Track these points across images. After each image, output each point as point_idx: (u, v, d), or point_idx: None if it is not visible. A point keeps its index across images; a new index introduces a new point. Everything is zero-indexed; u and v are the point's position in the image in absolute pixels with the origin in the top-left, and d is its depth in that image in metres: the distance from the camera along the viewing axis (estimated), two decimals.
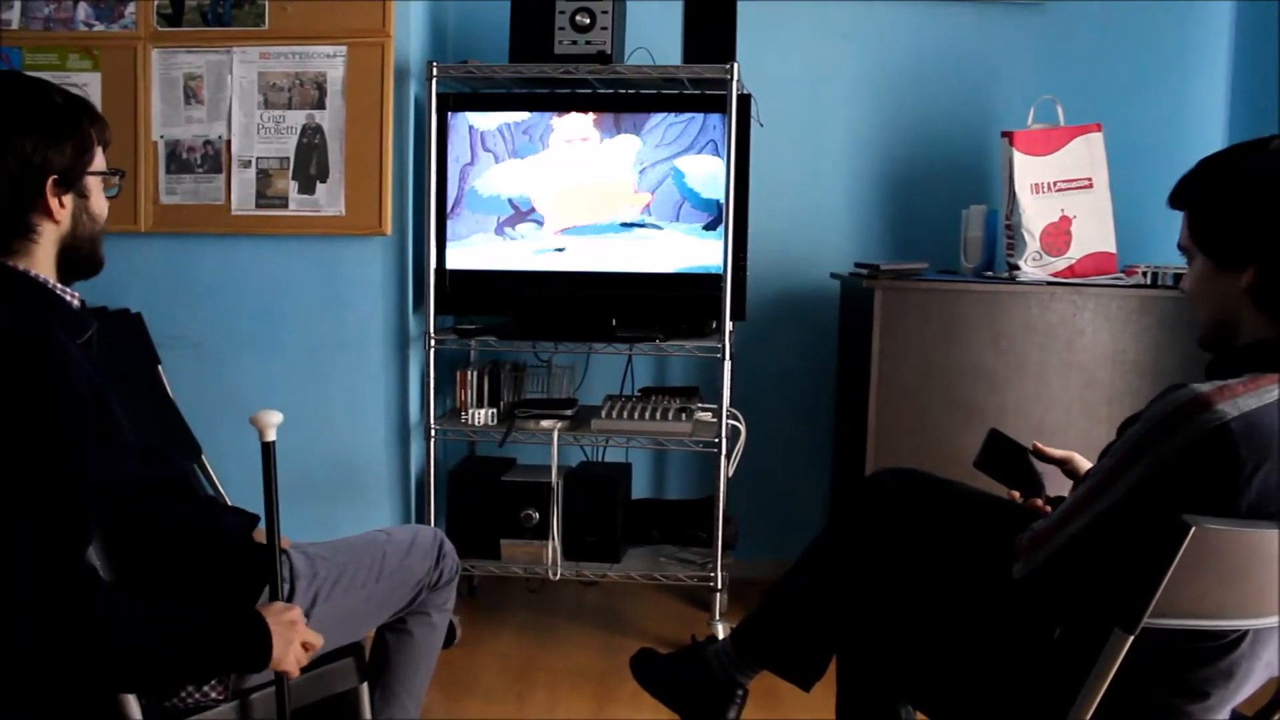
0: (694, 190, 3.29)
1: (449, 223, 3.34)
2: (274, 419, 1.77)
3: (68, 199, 1.59)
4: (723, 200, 3.19)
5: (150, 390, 3.23)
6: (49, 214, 1.57)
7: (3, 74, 1.65)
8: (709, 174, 3.27)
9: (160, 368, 3.27)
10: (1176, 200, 1.65)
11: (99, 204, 1.65)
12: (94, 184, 1.63)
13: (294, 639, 1.62)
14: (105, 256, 1.70)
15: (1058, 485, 1.94)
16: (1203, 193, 1.62)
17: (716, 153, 3.26)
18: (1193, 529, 1.36)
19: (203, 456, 3.21)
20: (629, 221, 3.30)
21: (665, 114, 3.29)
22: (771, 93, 3.52)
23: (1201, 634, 1.53)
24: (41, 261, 1.59)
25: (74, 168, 1.58)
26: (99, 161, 1.64)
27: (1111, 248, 3.21)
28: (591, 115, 3.30)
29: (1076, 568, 1.58)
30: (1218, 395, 1.45)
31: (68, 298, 1.62)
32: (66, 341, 1.49)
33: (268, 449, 1.78)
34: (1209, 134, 3.59)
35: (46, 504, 1.39)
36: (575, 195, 3.32)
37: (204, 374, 3.35)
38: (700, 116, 3.27)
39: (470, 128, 3.32)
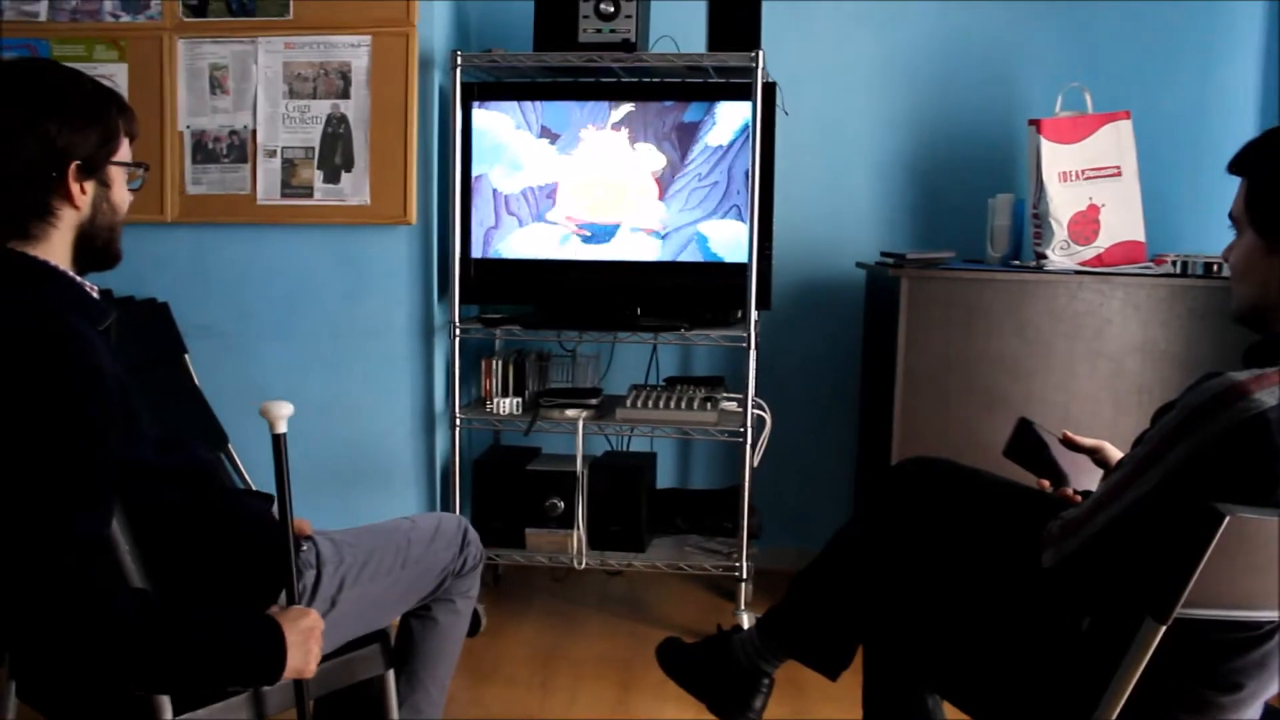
0: None
1: (473, 212, 3.34)
2: (285, 410, 1.70)
3: (89, 186, 1.59)
4: (747, 189, 3.18)
5: (177, 379, 3.25)
6: (69, 199, 1.57)
7: (36, 60, 1.66)
8: None
9: (187, 357, 3.29)
10: (1236, 166, 1.59)
11: (120, 194, 1.64)
12: (117, 174, 1.63)
13: (313, 647, 1.60)
14: (128, 248, 1.69)
15: (1088, 474, 1.92)
16: (1264, 164, 1.56)
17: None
18: (1227, 518, 1.34)
19: (229, 445, 3.23)
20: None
21: (690, 103, 3.28)
22: (796, 81, 3.50)
23: (1234, 624, 1.51)
24: (58, 249, 1.59)
25: (98, 155, 1.58)
26: (124, 152, 1.63)
27: (1140, 236, 3.18)
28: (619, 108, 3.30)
29: (1108, 557, 1.56)
30: (1255, 384, 1.43)
31: (86, 288, 1.62)
32: (88, 330, 1.49)
33: (279, 441, 1.71)
34: (1240, 122, 3.54)
35: (69, 485, 1.40)
36: (601, 184, 3.31)
37: (230, 363, 3.37)
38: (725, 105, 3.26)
39: (495, 117, 3.32)
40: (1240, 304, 1.62)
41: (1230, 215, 1.62)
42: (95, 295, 1.62)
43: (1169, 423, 1.49)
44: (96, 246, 1.63)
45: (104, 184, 1.61)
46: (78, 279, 1.61)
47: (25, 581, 1.36)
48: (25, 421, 1.40)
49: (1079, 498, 1.81)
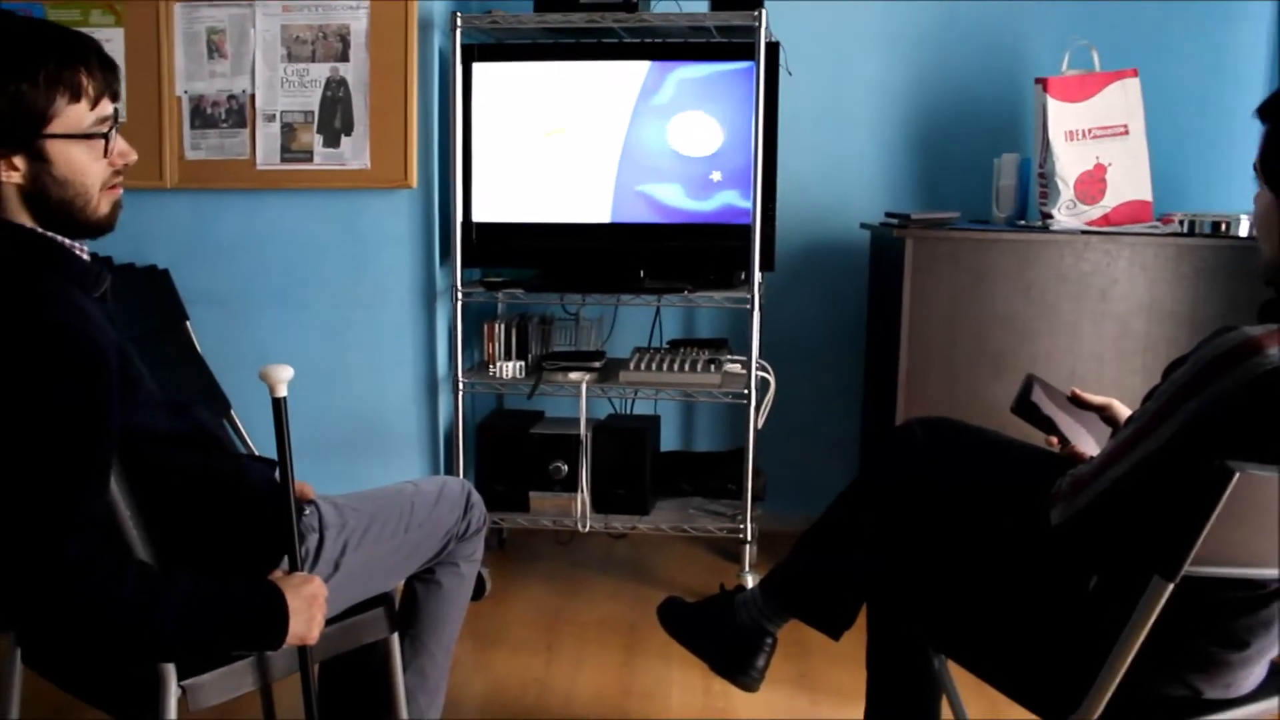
0: None
1: (474, 175, 3.32)
2: (285, 374, 1.66)
3: (19, 160, 1.42)
4: (751, 150, 3.15)
5: (178, 346, 3.24)
6: None
7: None
8: None
9: (188, 324, 3.28)
10: (1264, 111, 1.53)
11: (68, 167, 1.45)
12: (60, 146, 1.43)
13: (315, 614, 1.60)
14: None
15: (1096, 432, 1.90)
16: None
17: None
18: (1236, 475, 1.33)
19: (231, 411, 3.22)
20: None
21: (692, 63, 3.24)
22: (800, 40, 3.46)
23: (1242, 583, 1.50)
24: (21, 217, 1.46)
25: (15, 129, 1.39)
26: (72, 120, 1.43)
27: (1147, 196, 3.15)
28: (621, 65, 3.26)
29: (1117, 514, 1.55)
30: (1270, 339, 1.41)
31: (76, 251, 1.52)
32: (80, 297, 1.45)
33: (279, 405, 1.67)
34: (1250, 80, 3.50)
35: (70, 466, 1.38)
36: (602, 146, 3.28)
37: (232, 329, 3.35)
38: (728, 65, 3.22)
39: (495, 79, 3.29)
40: (1265, 261, 1.57)
41: (1253, 165, 1.56)
42: (85, 258, 1.53)
43: (1181, 377, 1.48)
44: (59, 219, 1.48)
45: (39, 159, 1.43)
46: (65, 243, 1.51)
47: (29, 562, 1.35)
48: (24, 402, 1.37)
49: (1087, 455, 1.80)
